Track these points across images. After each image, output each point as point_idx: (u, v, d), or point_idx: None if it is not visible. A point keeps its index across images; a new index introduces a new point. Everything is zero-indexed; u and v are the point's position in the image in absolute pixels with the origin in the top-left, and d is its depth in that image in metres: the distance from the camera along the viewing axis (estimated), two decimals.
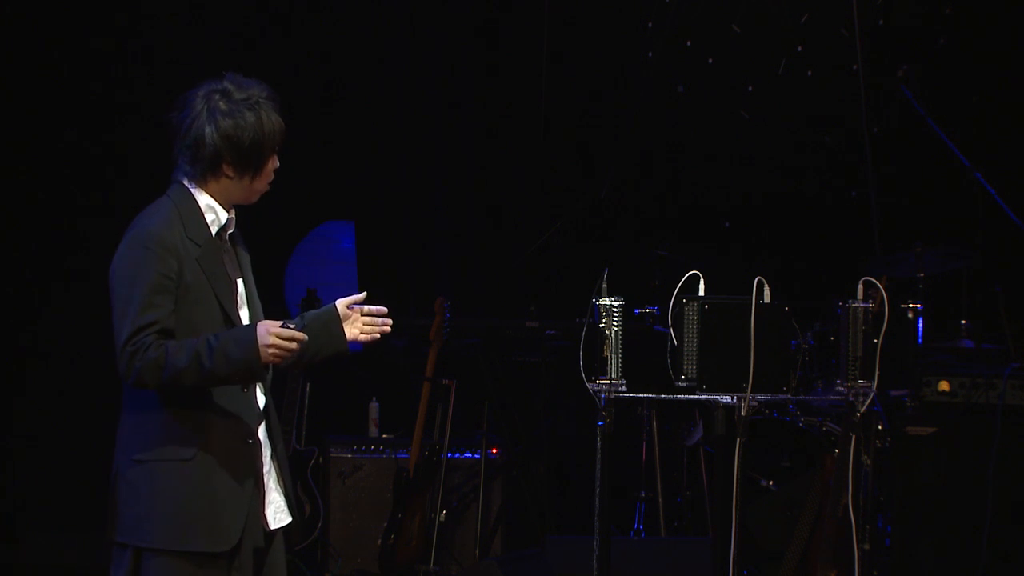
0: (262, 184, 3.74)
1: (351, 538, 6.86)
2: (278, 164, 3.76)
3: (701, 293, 4.91)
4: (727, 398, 4.89)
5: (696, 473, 6.85)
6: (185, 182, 3.71)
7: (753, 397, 4.85)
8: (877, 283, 4.97)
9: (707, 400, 4.94)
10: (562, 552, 6.00)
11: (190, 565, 3.58)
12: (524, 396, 7.29)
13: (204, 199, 3.70)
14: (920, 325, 6.04)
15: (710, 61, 7.53)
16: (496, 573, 5.82)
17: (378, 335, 3.82)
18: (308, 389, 6.91)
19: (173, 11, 7.20)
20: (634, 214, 7.62)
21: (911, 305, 5.89)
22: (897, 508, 5.79)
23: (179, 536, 3.58)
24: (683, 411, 6.77)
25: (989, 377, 5.78)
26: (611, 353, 4.86)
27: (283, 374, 6.55)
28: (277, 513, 3.77)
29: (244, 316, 3.75)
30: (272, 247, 7.03)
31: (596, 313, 4.87)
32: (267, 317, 3.74)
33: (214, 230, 3.71)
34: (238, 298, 3.74)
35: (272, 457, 3.77)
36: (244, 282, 3.79)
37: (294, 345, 3.56)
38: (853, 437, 4.99)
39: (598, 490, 4.90)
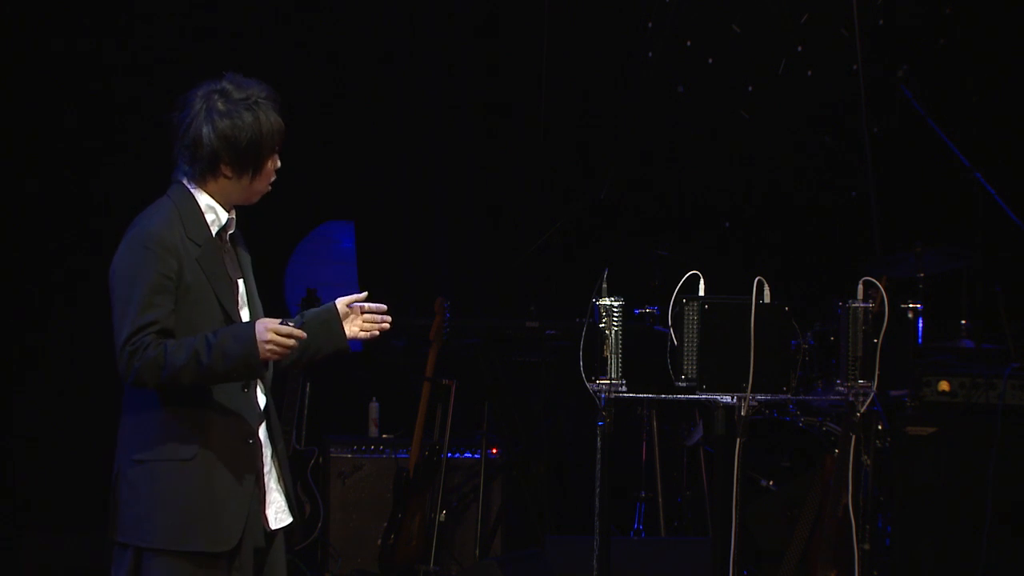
0: (262, 184, 3.74)
1: (351, 538, 6.86)
2: (279, 164, 3.76)
3: (701, 293, 4.91)
4: (727, 398, 4.89)
5: (696, 473, 6.85)
6: (185, 182, 3.71)
7: (753, 397, 4.85)
8: (877, 283, 4.97)
9: (707, 400, 4.94)
10: (562, 552, 6.00)
11: (190, 565, 3.59)
12: (524, 396, 7.28)
13: (204, 199, 3.71)
14: (920, 325, 6.04)
15: (710, 61, 7.53)
16: (496, 573, 5.82)
17: (377, 332, 3.83)
18: (308, 389, 6.92)
19: (173, 11, 7.20)
20: (634, 214, 7.62)
21: (911, 305, 5.89)
22: (897, 508, 5.79)
23: (179, 536, 3.58)
24: (683, 411, 6.77)
25: (989, 377, 5.78)
26: (611, 353, 4.86)
27: (283, 374, 6.56)
28: (278, 513, 3.77)
29: (245, 316, 3.75)
30: (272, 247, 7.03)
31: (596, 313, 4.87)
32: (267, 317, 3.74)
33: (214, 230, 3.71)
34: (239, 298, 3.74)
35: (273, 457, 3.77)
36: (245, 282, 3.80)
37: (292, 342, 3.56)
38: (853, 437, 4.99)
39: (598, 490, 4.90)
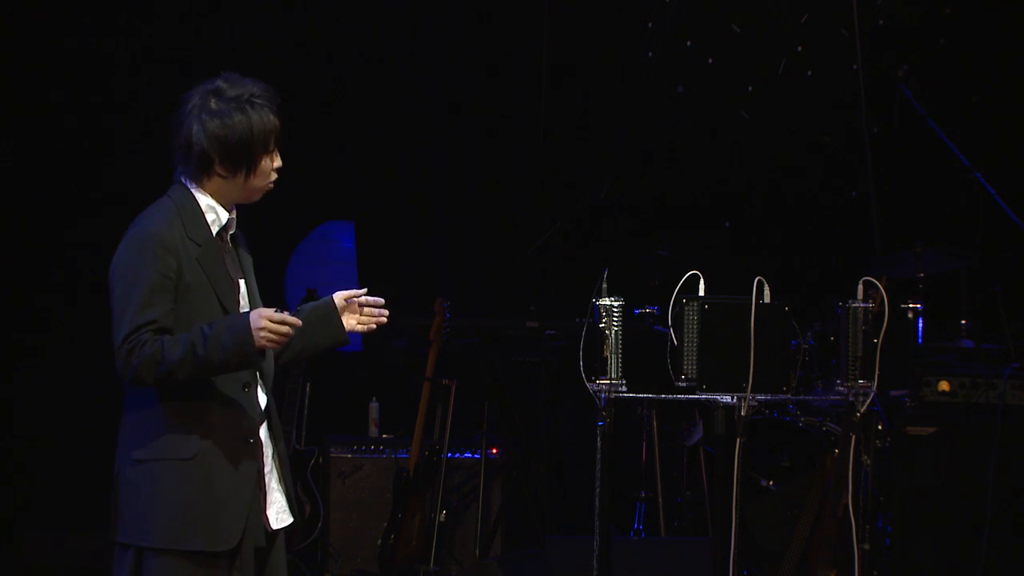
0: (260, 183, 3.73)
1: (351, 538, 6.86)
2: (279, 163, 3.75)
3: (701, 293, 4.91)
4: (727, 398, 4.89)
5: (696, 473, 6.85)
6: (186, 182, 3.71)
7: (753, 397, 4.85)
8: (877, 283, 4.97)
9: (707, 400, 4.94)
10: (562, 552, 6.00)
11: (191, 565, 3.59)
12: (524, 396, 7.28)
13: (204, 199, 3.71)
14: (920, 325, 6.04)
15: (710, 61, 7.53)
16: (496, 573, 5.82)
17: (375, 326, 3.85)
18: (308, 389, 6.92)
19: (173, 10, 7.20)
20: (634, 214, 7.62)
21: (911, 305, 5.89)
22: (897, 508, 5.79)
23: (180, 536, 3.58)
24: (683, 411, 6.77)
25: (989, 377, 5.78)
26: (611, 353, 4.86)
27: (283, 374, 6.56)
28: (279, 513, 3.77)
29: None
30: (272, 247, 7.03)
31: (596, 313, 4.87)
32: None
33: (215, 230, 3.71)
34: (240, 298, 3.74)
35: (274, 457, 3.77)
36: (246, 282, 3.80)
37: (286, 328, 3.56)
38: (853, 437, 4.99)
39: (598, 490, 4.90)
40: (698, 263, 4.98)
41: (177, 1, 7.24)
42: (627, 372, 4.88)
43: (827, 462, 5.34)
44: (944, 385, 5.84)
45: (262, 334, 3.53)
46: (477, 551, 6.76)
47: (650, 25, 7.50)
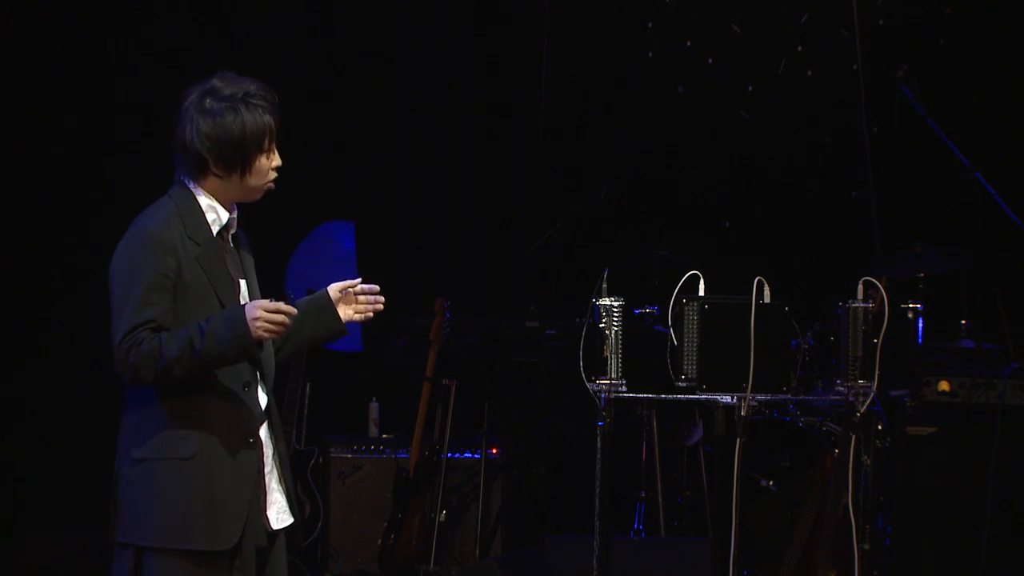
0: (257, 182, 3.72)
1: (351, 538, 6.86)
2: (278, 162, 3.75)
3: (701, 293, 4.91)
4: (727, 398, 4.88)
5: (696, 473, 6.85)
6: (186, 182, 3.72)
7: (753, 397, 4.85)
8: (877, 283, 4.97)
9: (707, 400, 4.94)
10: (562, 552, 6.00)
11: (190, 564, 3.58)
12: (524, 396, 7.28)
13: (204, 199, 3.71)
14: (920, 325, 6.04)
15: (710, 61, 7.53)
16: (496, 573, 5.82)
17: (371, 314, 3.86)
18: (308, 389, 6.92)
19: (174, 10, 7.20)
20: (634, 214, 7.62)
21: (911, 305, 5.89)
22: (897, 508, 5.79)
23: (179, 535, 3.58)
24: (683, 411, 6.77)
25: (989, 377, 5.78)
26: (611, 353, 4.86)
27: (283, 374, 6.56)
28: (279, 514, 3.77)
29: None
30: (272, 247, 7.03)
31: (596, 313, 4.87)
32: None
33: (215, 229, 3.71)
34: (240, 298, 3.74)
35: (274, 457, 3.77)
36: (247, 282, 3.80)
37: (281, 317, 3.55)
38: (853, 437, 4.98)
39: (598, 490, 4.90)
40: (698, 263, 4.98)
41: (178, 1, 7.24)
42: (627, 372, 4.88)
43: (827, 462, 5.34)
44: (944, 385, 5.84)
45: (258, 324, 3.53)
46: (477, 551, 6.77)
47: (650, 25, 7.50)
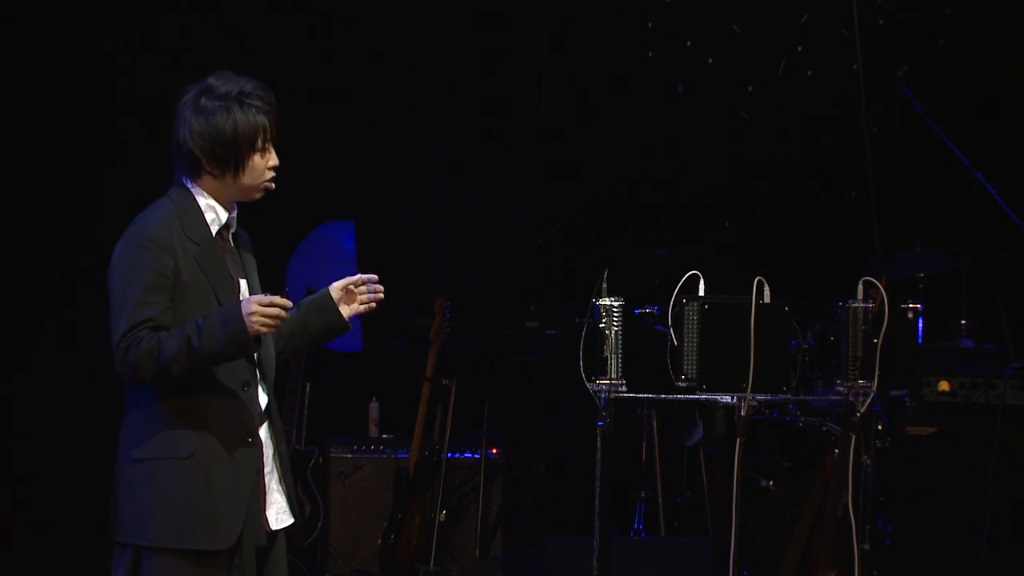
0: (252, 181, 3.71)
1: (351, 538, 6.86)
2: (275, 161, 3.74)
3: (701, 293, 4.91)
4: (727, 398, 4.88)
5: (696, 473, 6.84)
6: (185, 182, 3.72)
7: (753, 397, 4.85)
8: (877, 283, 4.97)
9: (707, 400, 4.94)
10: (562, 552, 6.00)
11: (189, 564, 3.58)
12: (524, 396, 7.29)
13: (203, 199, 3.71)
14: (920, 325, 6.04)
15: (710, 61, 7.53)
16: (496, 573, 5.82)
17: (374, 304, 3.85)
18: (308, 389, 6.92)
19: (173, 10, 7.20)
20: (634, 214, 7.62)
21: (911, 305, 5.89)
22: (897, 508, 5.79)
23: (178, 534, 3.58)
24: (683, 411, 6.77)
25: (989, 377, 5.78)
26: (611, 353, 4.86)
27: (283, 374, 6.56)
28: (279, 514, 3.77)
29: None
30: (272, 247, 7.01)
31: (596, 313, 4.87)
32: None
33: (214, 229, 3.71)
34: (240, 297, 3.73)
35: (275, 457, 3.77)
36: (248, 282, 3.80)
37: (276, 311, 3.54)
38: (853, 437, 4.98)
39: (598, 490, 4.90)
40: (698, 263, 4.98)
41: (178, 0, 7.24)
42: (627, 372, 4.87)
43: (827, 462, 5.34)
44: (944, 385, 5.83)
45: (254, 319, 3.52)
46: (477, 551, 6.77)
47: (650, 25, 7.50)
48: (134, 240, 3.61)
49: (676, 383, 4.90)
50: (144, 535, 3.59)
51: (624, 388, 4.88)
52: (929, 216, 7.16)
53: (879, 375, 4.89)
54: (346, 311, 3.85)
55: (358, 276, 3.87)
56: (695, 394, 4.90)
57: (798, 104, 7.47)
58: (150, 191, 3.79)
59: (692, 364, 4.87)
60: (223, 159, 3.66)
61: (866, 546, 5.30)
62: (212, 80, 3.69)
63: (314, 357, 6.86)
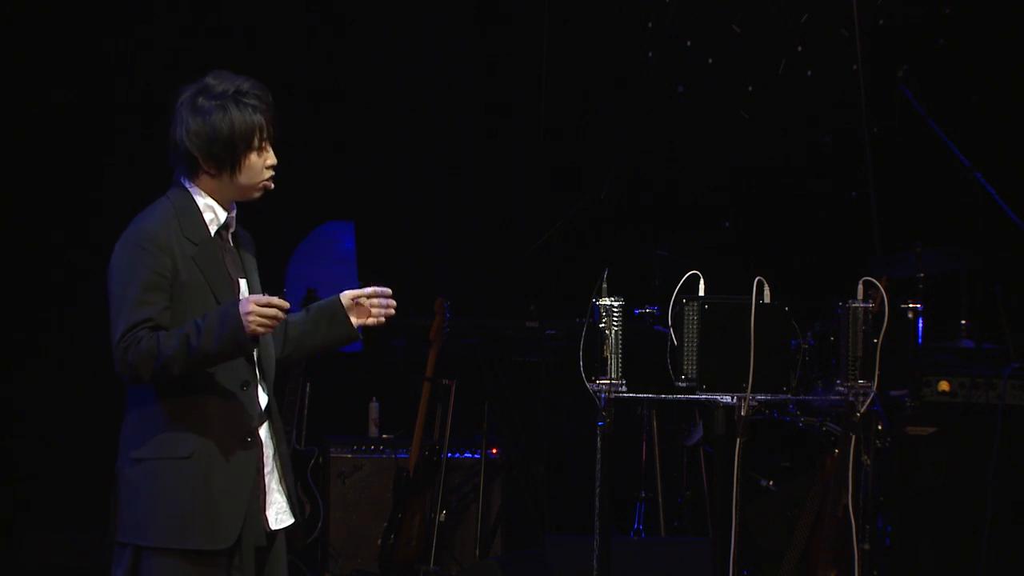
0: (250, 180, 3.71)
1: (351, 538, 6.86)
2: (273, 160, 3.73)
3: (701, 293, 4.91)
4: (727, 398, 4.88)
5: (696, 473, 6.84)
6: (184, 182, 3.72)
7: (753, 397, 4.85)
8: (877, 283, 4.97)
9: (707, 400, 4.94)
10: (562, 552, 5.99)
11: (188, 564, 3.58)
12: (524, 396, 7.29)
13: (202, 199, 3.71)
14: (920, 325, 6.04)
15: (710, 61, 7.53)
16: (496, 573, 5.82)
17: (383, 319, 3.84)
18: (308, 389, 6.92)
19: (173, 10, 7.20)
20: (634, 214, 7.62)
21: (911, 305, 5.89)
22: (897, 508, 5.79)
23: (177, 534, 3.57)
24: (683, 411, 6.77)
25: (989, 377, 5.78)
26: (611, 353, 4.86)
27: (284, 374, 6.56)
28: (279, 514, 3.77)
29: None
30: (272, 247, 7.01)
31: (596, 313, 4.87)
32: None
33: (213, 229, 3.71)
34: (240, 297, 3.73)
35: (275, 457, 3.76)
36: (248, 282, 3.80)
37: (273, 311, 3.53)
38: (853, 437, 4.98)
39: (598, 490, 4.90)
40: (698, 263, 4.98)
41: (178, 0, 7.24)
42: (627, 372, 4.87)
43: (827, 462, 5.34)
44: (944, 385, 5.83)
45: (251, 319, 3.51)
46: (477, 551, 6.77)
47: (650, 25, 7.50)
48: (132, 240, 3.61)
49: (676, 383, 4.90)
50: (143, 535, 3.59)
51: (624, 388, 4.87)
52: (929, 216, 7.16)
53: (879, 375, 4.89)
54: (355, 321, 3.84)
55: (371, 289, 3.86)
56: (695, 394, 4.90)
57: (798, 104, 7.47)
58: (150, 191, 3.79)
59: (692, 364, 4.87)
60: (220, 158, 3.66)
61: (866, 546, 5.30)
62: (209, 79, 3.69)
63: (314, 357, 6.86)
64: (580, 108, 7.62)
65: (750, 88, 7.53)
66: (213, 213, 3.71)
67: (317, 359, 6.94)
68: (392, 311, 3.87)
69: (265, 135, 3.69)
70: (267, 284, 3.92)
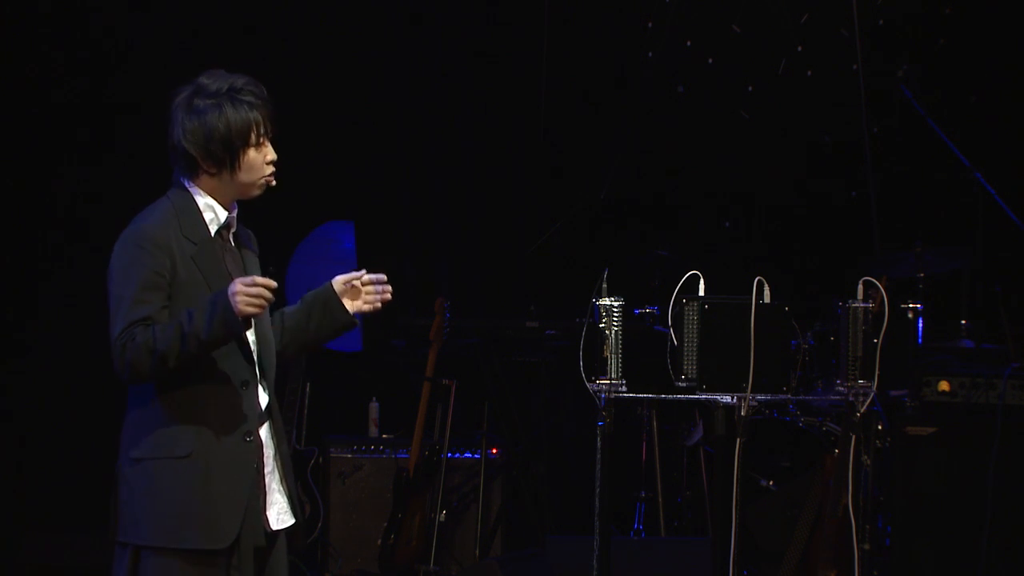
0: (250, 177, 3.70)
1: (351, 538, 6.86)
2: (272, 156, 3.73)
3: (701, 293, 4.91)
4: (727, 398, 4.88)
5: (696, 473, 6.84)
6: (184, 182, 3.72)
7: (753, 397, 4.85)
8: (877, 283, 4.97)
9: (707, 400, 4.94)
10: (562, 552, 6.00)
11: (187, 563, 3.58)
12: (524, 396, 7.28)
13: (202, 198, 3.71)
14: (920, 325, 6.04)
15: (710, 61, 7.53)
16: (496, 573, 5.82)
17: (379, 305, 3.84)
18: (308, 389, 6.92)
19: (172, 9, 7.20)
20: (634, 214, 7.62)
21: (911, 305, 5.89)
22: (897, 508, 5.79)
23: (175, 534, 3.57)
24: (683, 411, 6.77)
25: (989, 377, 5.78)
26: (611, 353, 4.86)
27: (284, 374, 6.56)
28: (280, 514, 3.76)
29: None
30: (272, 247, 7.01)
31: (596, 313, 4.87)
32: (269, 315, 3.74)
33: (213, 229, 3.71)
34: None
35: (275, 457, 3.76)
36: None
37: (258, 289, 3.51)
38: (853, 437, 4.98)
39: (598, 490, 4.90)
40: (698, 263, 4.98)
41: (178, 0, 7.24)
42: (627, 372, 4.87)
43: (827, 462, 5.34)
44: (944, 385, 5.83)
45: (238, 298, 3.49)
46: (477, 551, 6.77)
47: (650, 25, 7.50)
48: (131, 240, 3.61)
49: (676, 383, 4.90)
50: (142, 535, 3.58)
51: (624, 388, 4.87)
52: (929, 216, 7.16)
53: (879, 375, 4.89)
54: (350, 306, 3.84)
55: (363, 272, 3.86)
56: (695, 394, 4.90)
57: (798, 104, 7.47)
58: (150, 191, 3.79)
59: (692, 364, 4.87)
60: (218, 156, 3.66)
61: (866, 546, 5.30)
62: (203, 79, 3.69)
63: (314, 357, 6.86)
64: (580, 108, 7.61)
65: (750, 88, 7.53)
66: (213, 213, 3.71)
67: (317, 359, 6.94)
68: (388, 296, 3.87)
69: (263, 131, 3.69)
70: None
